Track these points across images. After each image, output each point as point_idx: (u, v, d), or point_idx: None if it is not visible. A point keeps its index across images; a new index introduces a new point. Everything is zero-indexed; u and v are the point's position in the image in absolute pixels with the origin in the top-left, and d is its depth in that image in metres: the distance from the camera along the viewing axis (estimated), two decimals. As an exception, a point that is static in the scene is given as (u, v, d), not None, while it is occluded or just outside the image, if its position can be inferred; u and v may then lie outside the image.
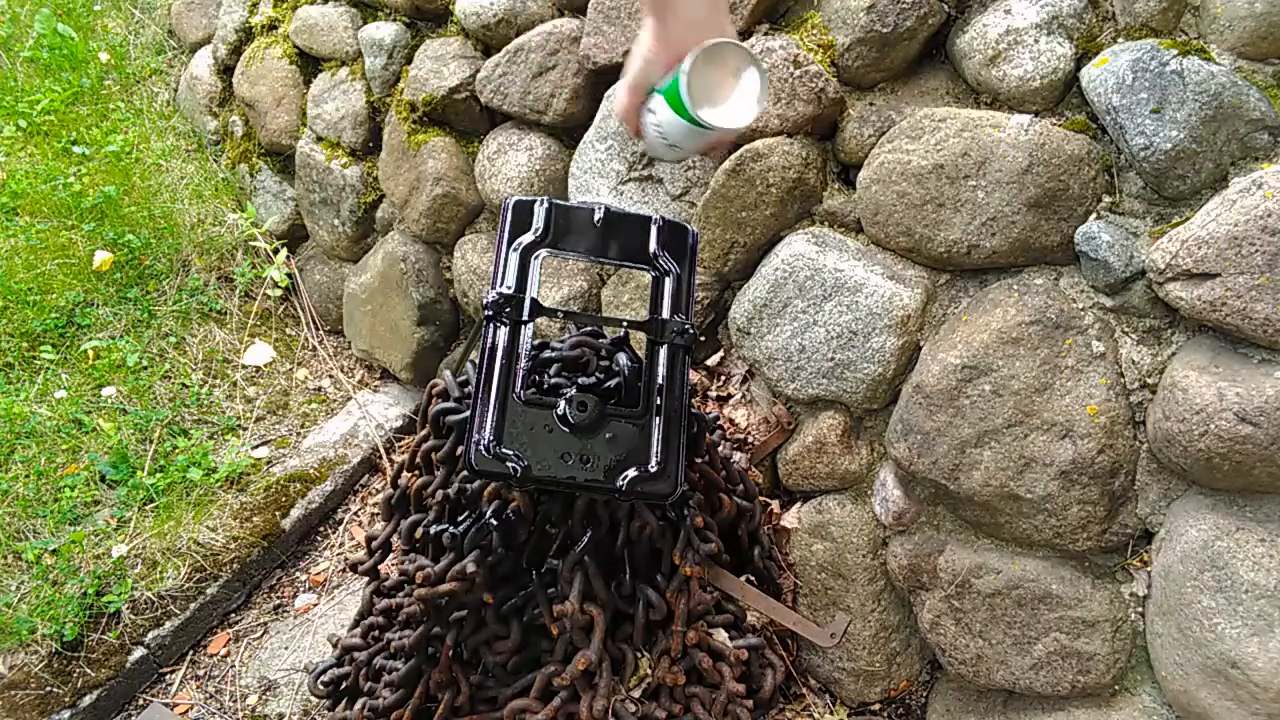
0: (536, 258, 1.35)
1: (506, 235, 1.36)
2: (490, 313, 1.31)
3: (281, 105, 2.88)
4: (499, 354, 1.29)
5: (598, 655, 1.37)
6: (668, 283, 1.38)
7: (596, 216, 1.38)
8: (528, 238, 1.36)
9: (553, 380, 1.49)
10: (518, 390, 1.28)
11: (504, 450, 1.25)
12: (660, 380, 1.33)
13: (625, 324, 1.42)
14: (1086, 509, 1.42)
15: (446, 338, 2.64)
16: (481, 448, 1.24)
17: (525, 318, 1.32)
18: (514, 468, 1.24)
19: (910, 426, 1.56)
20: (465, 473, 1.46)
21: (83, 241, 2.77)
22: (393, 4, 2.53)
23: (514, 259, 1.34)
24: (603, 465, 1.27)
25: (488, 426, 1.25)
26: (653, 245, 1.40)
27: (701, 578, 1.47)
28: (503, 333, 1.30)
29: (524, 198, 1.38)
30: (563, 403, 1.28)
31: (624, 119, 1.08)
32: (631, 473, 1.27)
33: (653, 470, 1.28)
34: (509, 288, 1.32)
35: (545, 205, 1.37)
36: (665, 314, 1.37)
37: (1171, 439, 1.32)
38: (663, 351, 1.35)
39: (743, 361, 1.87)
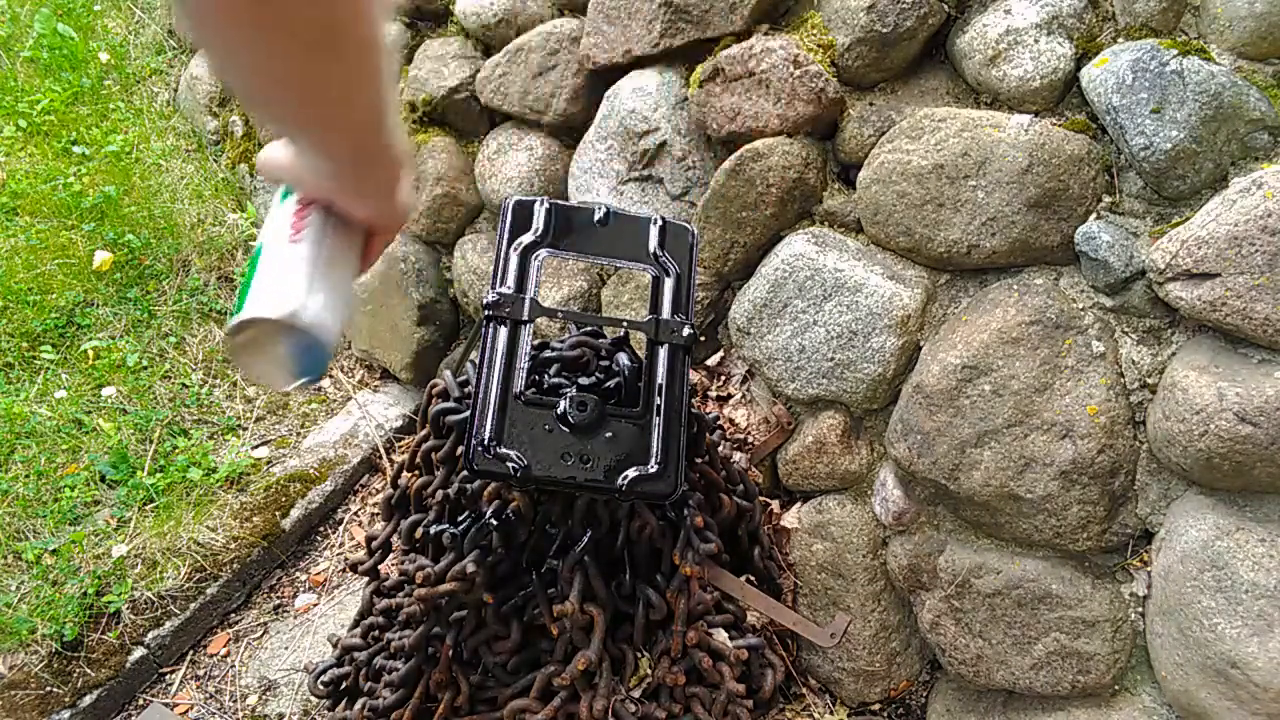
0: (536, 258, 1.35)
1: (506, 235, 1.36)
2: (490, 313, 1.31)
3: (281, 105, 2.88)
4: (499, 354, 1.29)
5: (598, 655, 1.37)
6: (668, 283, 1.38)
7: (596, 216, 1.38)
8: (528, 238, 1.36)
9: (553, 380, 1.49)
10: (518, 390, 1.28)
11: (504, 450, 1.25)
12: (660, 380, 1.33)
13: (625, 324, 1.42)
14: (1086, 509, 1.42)
15: (446, 338, 2.64)
16: (481, 448, 1.24)
17: (525, 318, 1.32)
18: (514, 468, 1.24)
19: (910, 426, 1.56)
20: (465, 473, 1.46)
21: (83, 241, 2.77)
22: (392, 4, 2.53)
23: (514, 259, 1.34)
24: (603, 465, 1.27)
25: (488, 426, 1.25)
26: (653, 245, 1.40)
27: (701, 578, 1.47)
28: (503, 333, 1.30)
29: (524, 198, 1.38)
30: (563, 402, 1.28)
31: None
32: (631, 473, 1.27)
33: (652, 470, 1.28)
34: (509, 288, 1.32)
35: (545, 205, 1.37)
36: (665, 314, 1.37)
37: (1171, 439, 1.32)
38: (663, 351, 1.35)
39: (743, 361, 1.87)
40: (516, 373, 1.29)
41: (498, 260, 1.35)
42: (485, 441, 1.25)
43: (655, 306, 1.38)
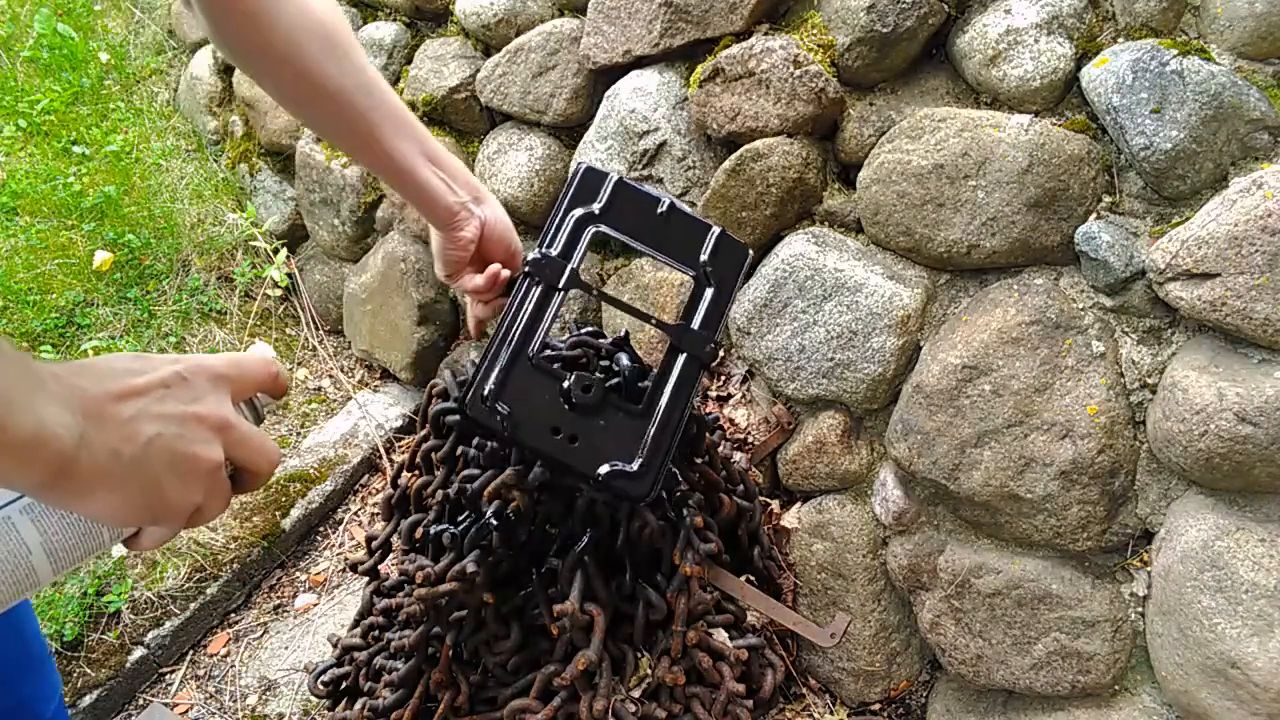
0: (590, 231, 1.32)
1: (568, 200, 1.32)
2: (529, 269, 1.28)
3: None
4: (525, 312, 1.25)
5: (598, 655, 1.37)
6: (708, 294, 1.35)
7: (660, 208, 1.33)
8: (589, 208, 1.32)
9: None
10: (533, 351, 1.26)
11: (500, 406, 1.22)
12: (669, 387, 1.31)
13: (654, 322, 1.40)
14: (1086, 509, 1.42)
15: (446, 338, 2.64)
16: (479, 397, 1.22)
17: (561, 285, 1.28)
18: (503, 422, 1.22)
19: (910, 426, 1.56)
20: (463, 469, 1.46)
21: (83, 241, 2.77)
22: (393, 4, 2.53)
23: (569, 225, 1.30)
24: (587, 450, 1.25)
25: (492, 378, 1.23)
26: (705, 254, 1.36)
27: (701, 578, 1.47)
28: (535, 293, 1.27)
29: (596, 167, 1.33)
30: (570, 377, 1.26)
31: None
32: (612, 466, 1.25)
33: (633, 470, 1.25)
34: (556, 250, 1.29)
35: (613, 181, 1.33)
36: (695, 325, 1.33)
37: (1171, 439, 1.32)
38: (680, 359, 1.32)
39: (743, 361, 1.87)
40: (536, 336, 1.26)
41: (553, 221, 1.30)
42: (484, 393, 1.22)
43: (688, 314, 1.34)
